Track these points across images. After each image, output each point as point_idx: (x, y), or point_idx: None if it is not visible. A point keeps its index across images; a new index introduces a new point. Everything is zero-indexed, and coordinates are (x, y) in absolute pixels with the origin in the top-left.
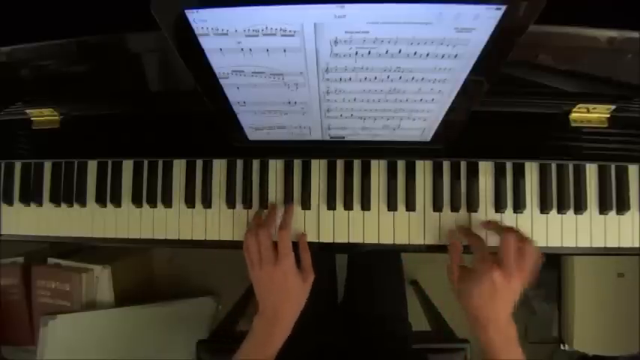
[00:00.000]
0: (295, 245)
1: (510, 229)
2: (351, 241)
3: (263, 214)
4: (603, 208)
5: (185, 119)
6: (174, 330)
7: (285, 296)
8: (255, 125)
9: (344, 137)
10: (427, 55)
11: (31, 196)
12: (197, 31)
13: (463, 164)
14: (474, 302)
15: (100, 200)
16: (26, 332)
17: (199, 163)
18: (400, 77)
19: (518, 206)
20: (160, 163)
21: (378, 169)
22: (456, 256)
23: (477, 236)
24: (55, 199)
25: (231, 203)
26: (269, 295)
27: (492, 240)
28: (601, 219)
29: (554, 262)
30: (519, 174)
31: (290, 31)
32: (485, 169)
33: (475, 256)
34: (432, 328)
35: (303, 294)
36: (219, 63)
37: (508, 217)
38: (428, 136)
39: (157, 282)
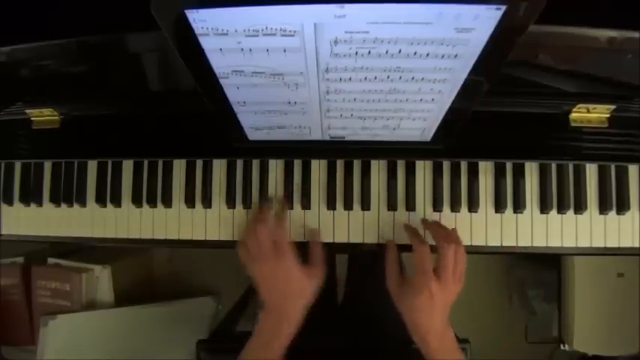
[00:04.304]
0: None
1: (448, 239)
2: (351, 241)
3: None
4: (603, 208)
5: (185, 119)
6: (174, 330)
7: (289, 292)
8: (255, 125)
9: (344, 137)
10: (427, 55)
11: (31, 196)
12: (197, 31)
13: (463, 164)
14: (412, 314)
15: (100, 200)
16: (26, 332)
17: (199, 163)
18: (400, 77)
19: (518, 206)
20: (160, 163)
21: (378, 169)
22: (391, 261)
23: (421, 242)
24: (55, 199)
25: (231, 203)
26: (272, 292)
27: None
28: (601, 219)
29: (554, 262)
30: (519, 174)
31: (290, 31)
32: (485, 169)
33: (416, 266)
34: None
35: (308, 289)
36: (219, 63)
37: (508, 218)
38: (428, 136)
39: (157, 282)
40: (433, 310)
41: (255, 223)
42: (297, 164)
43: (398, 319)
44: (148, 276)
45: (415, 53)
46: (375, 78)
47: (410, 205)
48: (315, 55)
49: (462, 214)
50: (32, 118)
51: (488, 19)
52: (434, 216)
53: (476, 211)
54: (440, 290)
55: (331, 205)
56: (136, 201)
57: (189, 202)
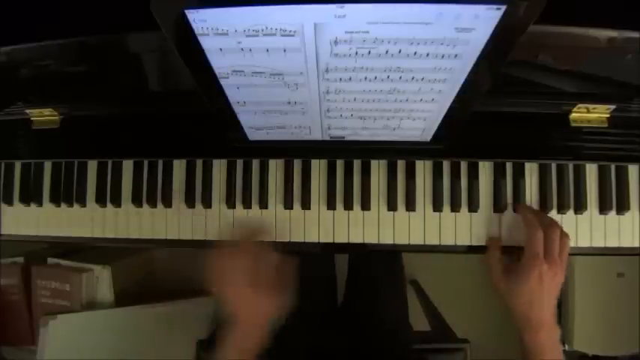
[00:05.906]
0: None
1: (553, 224)
2: (351, 241)
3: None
4: (603, 208)
5: (185, 119)
6: (174, 330)
7: (260, 315)
8: (255, 125)
9: (344, 137)
10: (427, 55)
11: (31, 196)
12: (197, 31)
13: (463, 164)
14: (524, 301)
15: (100, 200)
16: (26, 332)
17: (199, 163)
18: (400, 77)
19: None
20: (160, 163)
21: (378, 169)
22: (494, 253)
23: (537, 226)
24: (55, 199)
25: (231, 203)
26: (244, 313)
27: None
28: (601, 219)
29: None
30: (519, 174)
31: (290, 31)
32: (485, 169)
33: (527, 250)
34: (432, 328)
35: (273, 313)
36: (219, 63)
37: (508, 218)
38: (428, 136)
39: (157, 282)
40: (542, 298)
41: (243, 253)
42: (297, 164)
43: (398, 320)
44: (148, 276)
45: (415, 53)
46: (375, 78)
47: (410, 205)
48: (315, 55)
49: (462, 213)
50: (32, 118)
51: (488, 19)
52: (434, 216)
53: (476, 211)
54: (548, 272)
55: (331, 205)
56: (136, 201)
57: (189, 202)
